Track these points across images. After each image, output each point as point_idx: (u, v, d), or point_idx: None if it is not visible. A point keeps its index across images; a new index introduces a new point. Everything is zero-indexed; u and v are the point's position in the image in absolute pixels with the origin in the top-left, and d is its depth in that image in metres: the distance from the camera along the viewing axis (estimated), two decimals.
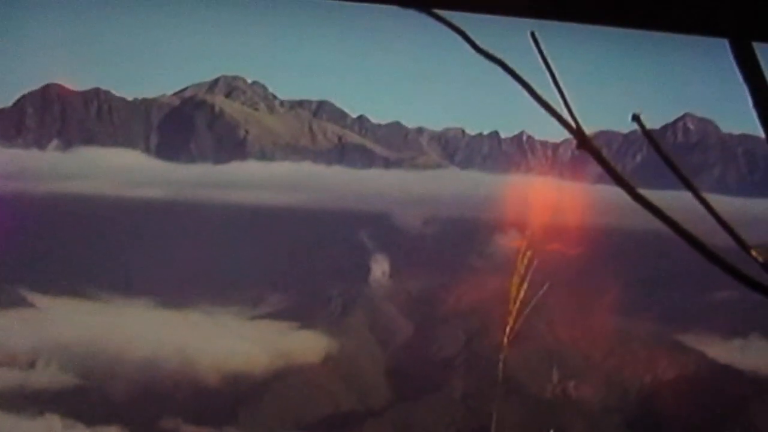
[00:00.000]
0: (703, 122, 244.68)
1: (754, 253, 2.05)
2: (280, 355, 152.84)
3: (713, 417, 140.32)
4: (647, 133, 2.21)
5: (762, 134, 2.02)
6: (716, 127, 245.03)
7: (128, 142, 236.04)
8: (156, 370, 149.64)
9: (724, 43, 1.96)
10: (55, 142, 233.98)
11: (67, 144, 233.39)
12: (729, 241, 2.09)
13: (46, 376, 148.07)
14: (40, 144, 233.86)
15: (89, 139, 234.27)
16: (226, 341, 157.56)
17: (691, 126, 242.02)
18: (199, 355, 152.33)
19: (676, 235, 2.03)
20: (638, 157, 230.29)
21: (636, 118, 2.23)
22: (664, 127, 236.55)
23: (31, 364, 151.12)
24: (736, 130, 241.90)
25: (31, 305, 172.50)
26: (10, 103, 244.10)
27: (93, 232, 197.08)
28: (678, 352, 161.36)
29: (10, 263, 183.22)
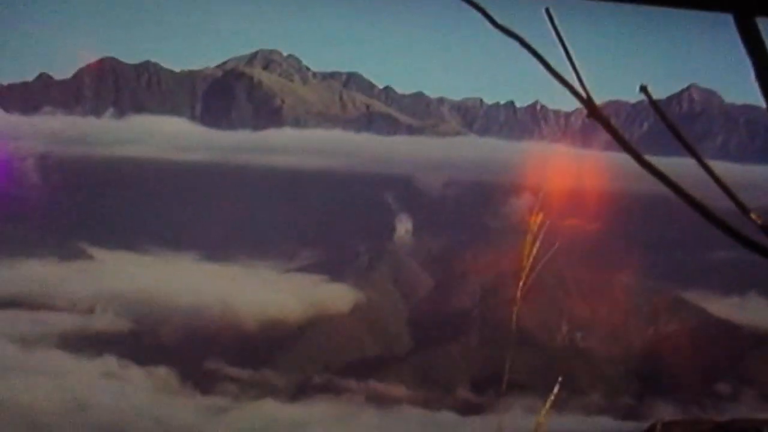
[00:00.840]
0: (708, 93, 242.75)
1: (753, 216, 2.07)
2: (312, 305, 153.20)
3: (711, 367, 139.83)
4: (654, 103, 2.12)
5: (763, 105, 2.01)
6: (720, 98, 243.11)
7: (175, 111, 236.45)
8: (201, 317, 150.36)
9: (729, 18, 1.96)
10: (110, 111, 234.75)
11: (121, 112, 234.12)
12: (730, 205, 2.09)
13: (103, 322, 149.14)
14: (97, 112, 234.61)
15: (140, 108, 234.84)
16: (264, 292, 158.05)
17: (695, 96, 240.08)
18: (239, 304, 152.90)
19: (680, 198, 2.05)
20: (645, 126, 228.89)
21: (643, 88, 2.21)
22: (670, 98, 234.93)
23: (91, 310, 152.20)
24: (739, 101, 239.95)
25: (90, 258, 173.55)
26: (69, 75, 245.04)
27: (144, 193, 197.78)
28: (679, 308, 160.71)
29: (72, 220, 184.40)
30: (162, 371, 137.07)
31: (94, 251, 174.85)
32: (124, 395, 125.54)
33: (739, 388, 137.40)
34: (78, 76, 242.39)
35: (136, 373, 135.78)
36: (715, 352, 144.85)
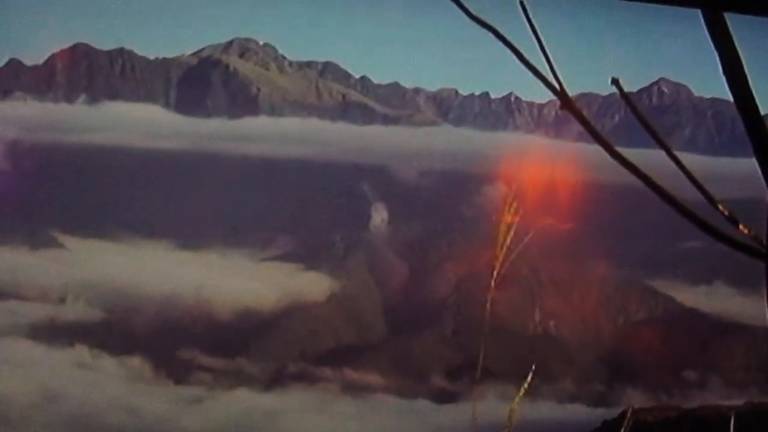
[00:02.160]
0: (677, 86, 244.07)
1: (720, 206, 2.11)
2: (287, 293, 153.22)
3: (679, 355, 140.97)
4: (625, 96, 2.15)
5: (730, 98, 1.93)
6: (689, 91, 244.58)
7: (150, 98, 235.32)
8: (174, 306, 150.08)
9: (698, 13, 2.00)
10: (82, 97, 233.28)
11: (94, 99, 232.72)
12: (698, 196, 2.14)
13: (75, 311, 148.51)
14: (69, 98, 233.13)
15: (114, 95, 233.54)
16: (239, 280, 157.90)
17: (665, 89, 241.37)
18: (213, 293, 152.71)
19: (650, 189, 2.07)
20: (616, 118, 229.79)
21: (615, 81, 2.25)
22: (641, 90, 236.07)
23: (62, 300, 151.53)
24: (707, 94, 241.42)
25: (62, 246, 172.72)
26: (41, 61, 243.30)
27: (117, 180, 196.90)
28: (648, 296, 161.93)
29: (43, 208, 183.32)
30: (135, 361, 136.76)
31: (65, 239, 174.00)
32: (97, 385, 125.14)
33: (705, 375, 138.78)
34: (50, 62, 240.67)
35: (108, 363, 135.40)
36: (682, 341, 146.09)
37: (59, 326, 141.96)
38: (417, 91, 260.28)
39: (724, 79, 1.99)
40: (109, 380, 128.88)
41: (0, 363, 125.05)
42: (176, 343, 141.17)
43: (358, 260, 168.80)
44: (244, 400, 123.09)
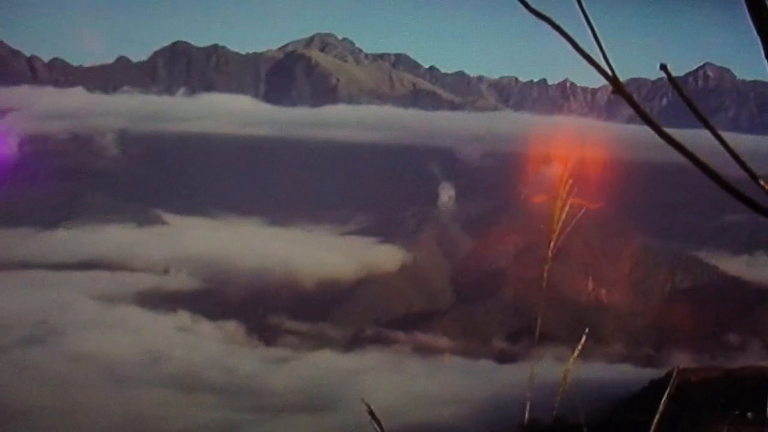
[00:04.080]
0: (721, 70, 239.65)
1: (761, 182, 2.09)
2: (364, 264, 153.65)
3: (722, 320, 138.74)
4: (672, 80, 2.14)
5: None
6: (732, 75, 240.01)
7: (241, 89, 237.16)
8: (264, 276, 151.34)
9: (741, 1, 1.96)
10: (182, 90, 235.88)
11: (192, 91, 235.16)
12: (740, 173, 2.10)
13: (177, 281, 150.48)
14: (170, 91, 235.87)
15: (209, 87, 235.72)
16: (321, 253, 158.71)
17: (710, 73, 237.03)
18: (298, 264, 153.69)
19: (696, 167, 2.05)
20: (664, 101, 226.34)
21: (663, 67, 2.17)
22: (687, 75, 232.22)
23: (165, 271, 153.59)
24: (749, 78, 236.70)
25: (165, 223, 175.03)
26: (145, 58, 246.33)
27: (213, 164, 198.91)
28: (693, 266, 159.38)
29: (148, 189, 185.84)
30: (230, 325, 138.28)
31: (168, 217, 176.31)
32: (196, 347, 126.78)
33: (746, 338, 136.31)
34: (153, 58, 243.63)
35: (206, 327, 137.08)
36: (725, 307, 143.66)
37: (163, 294, 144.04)
38: (480, 79, 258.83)
39: (765, 62, 1.93)
40: (207, 342, 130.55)
41: (112, 327, 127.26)
42: (266, 309, 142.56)
43: (428, 234, 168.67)
44: (325, 360, 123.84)
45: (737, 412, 57.93)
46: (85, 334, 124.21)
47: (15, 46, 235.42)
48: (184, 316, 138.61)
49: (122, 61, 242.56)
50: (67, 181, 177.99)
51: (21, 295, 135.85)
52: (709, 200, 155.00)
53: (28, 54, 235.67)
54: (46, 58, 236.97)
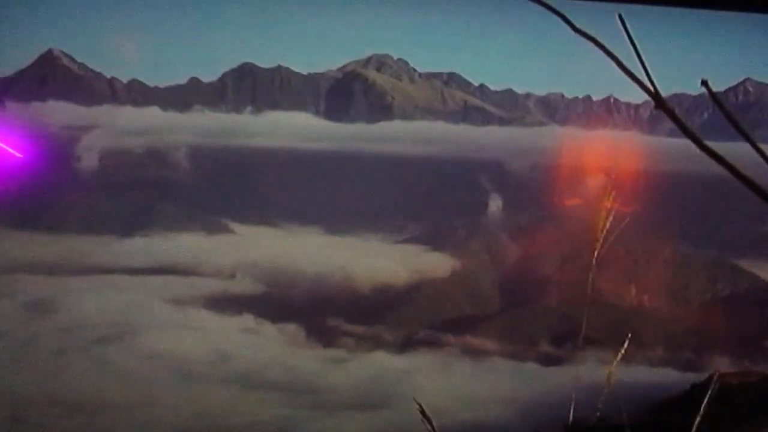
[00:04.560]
0: (761, 86, 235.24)
1: None
2: (417, 271, 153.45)
3: (761, 325, 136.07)
4: (713, 95, 2.06)
5: None
6: None
7: (302, 107, 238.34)
8: (323, 281, 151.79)
9: None
10: (249, 108, 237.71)
11: (258, 109, 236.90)
12: None
13: (242, 285, 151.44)
14: (238, 109, 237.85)
15: (274, 105, 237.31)
16: (376, 260, 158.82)
17: (750, 88, 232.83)
18: (355, 270, 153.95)
19: (736, 178, 1.96)
20: (705, 115, 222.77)
21: (704, 82, 2.14)
22: (728, 90, 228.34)
23: (232, 276, 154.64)
24: None
25: (232, 232, 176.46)
26: (215, 78, 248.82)
27: (277, 176, 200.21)
28: (734, 274, 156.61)
29: (217, 200, 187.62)
30: (291, 327, 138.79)
31: (235, 226, 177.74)
32: (260, 347, 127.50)
33: None
34: (222, 79, 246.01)
35: (269, 329, 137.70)
36: (764, 313, 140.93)
37: (230, 298, 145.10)
38: (527, 95, 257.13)
39: None
40: (270, 343, 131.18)
41: (182, 328, 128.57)
42: (325, 313, 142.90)
43: (477, 242, 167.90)
44: (380, 361, 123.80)
45: None
46: (158, 334, 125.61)
47: (97, 69, 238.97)
48: (248, 319, 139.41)
49: (194, 81, 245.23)
50: (144, 193, 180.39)
51: (101, 297, 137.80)
52: (749, 210, 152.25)
53: (108, 76, 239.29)
54: (125, 80, 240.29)
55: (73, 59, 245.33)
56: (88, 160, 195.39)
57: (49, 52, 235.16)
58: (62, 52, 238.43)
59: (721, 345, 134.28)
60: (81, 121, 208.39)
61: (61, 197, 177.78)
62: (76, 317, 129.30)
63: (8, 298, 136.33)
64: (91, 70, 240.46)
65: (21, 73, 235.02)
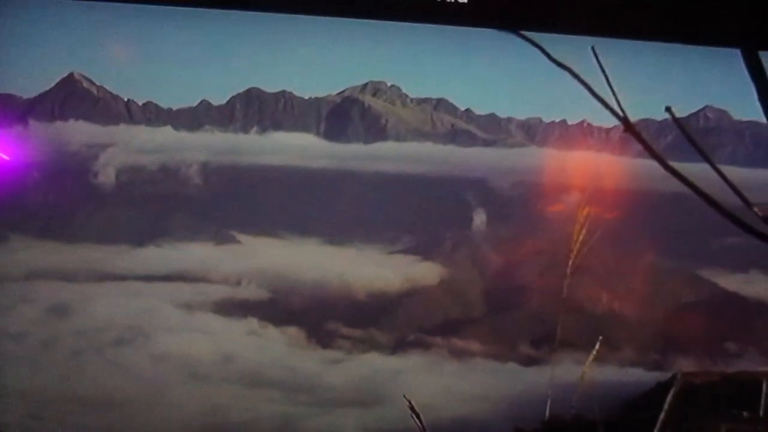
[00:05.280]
0: (720, 112, 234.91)
1: (756, 209, 2.04)
2: (408, 279, 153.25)
3: (721, 329, 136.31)
4: (676, 121, 2.19)
5: (764, 121, 1.92)
6: (729, 116, 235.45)
7: (305, 129, 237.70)
8: (323, 289, 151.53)
9: (737, 52, 1.95)
10: (255, 128, 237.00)
11: (263, 130, 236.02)
12: (737, 201, 2.05)
13: (247, 292, 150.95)
14: (245, 130, 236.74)
15: (278, 126, 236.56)
16: (371, 269, 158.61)
17: (710, 115, 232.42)
18: (352, 278, 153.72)
19: (698, 196, 2.00)
20: (669, 138, 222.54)
21: (668, 109, 2.19)
22: (689, 116, 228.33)
23: (238, 283, 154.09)
24: (745, 118, 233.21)
25: (238, 242, 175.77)
26: (224, 102, 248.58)
27: (280, 192, 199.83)
28: (696, 282, 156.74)
29: (224, 213, 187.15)
30: (292, 330, 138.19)
31: (241, 237, 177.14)
32: (264, 349, 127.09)
33: (743, 346, 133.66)
34: (231, 102, 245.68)
35: (272, 331, 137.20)
36: (724, 318, 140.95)
37: (236, 303, 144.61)
38: (509, 119, 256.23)
39: (759, 105, 2.04)
40: (272, 345, 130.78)
41: (192, 331, 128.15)
42: (323, 317, 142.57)
43: (463, 253, 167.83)
44: (374, 361, 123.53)
45: (734, 411, 56.91)
46: (169, 336, 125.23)
47: (115, 92, 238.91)
48: (253, 322, 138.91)
49: (204, 104, 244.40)
50: (157, 206, 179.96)
51: (116, 302, 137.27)
52: (709, 225, 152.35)
53: (125, 98, 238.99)
54: (140, 102, 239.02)
55: (92, 82, 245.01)
56: (106, 176, 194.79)
57: (71, 75, 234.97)
58: (82, 75, 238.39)
59: (684, 347, 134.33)
60: (99, 140, 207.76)
61: (80, 209, 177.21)
62: (93, 321, 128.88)
63: (30, 303, 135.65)
64: (109, 93, 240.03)
65: (44, 95, 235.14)
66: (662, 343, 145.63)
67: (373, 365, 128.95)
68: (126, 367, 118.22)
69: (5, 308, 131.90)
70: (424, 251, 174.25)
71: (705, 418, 54.99)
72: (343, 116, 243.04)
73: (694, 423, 52.26)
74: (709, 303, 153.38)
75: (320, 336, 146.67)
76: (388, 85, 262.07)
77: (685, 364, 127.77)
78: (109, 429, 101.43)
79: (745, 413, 55.50)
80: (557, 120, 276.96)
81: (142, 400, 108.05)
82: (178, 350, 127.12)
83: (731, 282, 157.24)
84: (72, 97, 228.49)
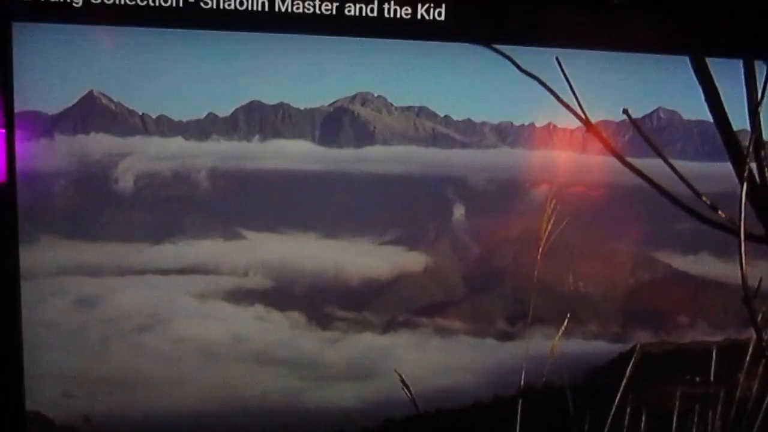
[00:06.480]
0: (671, 113, 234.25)
1: (704, 198, 2.08)
2: (396, 266, 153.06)
3: (674, 304, 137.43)
4: (633, 121, 2.25)
5: (711, 120, 1.94)
6: (680, 116, 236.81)
7: (301, 136, 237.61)
8: (320, 277, 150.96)
9: (686, 59, 2.01)
10: (256, 137, 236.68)
11: (264, 138, 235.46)
12: (688, 191, 2.10)
13: (254, 281, 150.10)
14: (248, 138, 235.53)
15: (278, 135, 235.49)
16: (364, 259, 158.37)
17: (662, 115, 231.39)
18: (346, 267, 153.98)
19: (652, 187, 2.04)
20: (626, 137, 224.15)
21: (625, 110, 2.23)
22: (644, 116, 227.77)
23: (245, 274, 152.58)
24: (694, 118, 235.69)
25: (245, 238, 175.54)
26: (228, 113, 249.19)
27: (280, 192, 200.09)
28: (652, 264, 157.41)
29: (232, 212, 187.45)
30: (295, 315, 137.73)
31: (247, 233, 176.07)
32: (270, 331, 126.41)
33: (694, 319, 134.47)
34: (235, 114, 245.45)
35: (277, 316, 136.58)
36: (677, 294, 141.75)
37: (243, 292, 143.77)
38: (484, 123, 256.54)
39: (705, 105, 2.03)
40: (277, 328, 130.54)
41: (205, 317, 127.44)
42: (322, 302, 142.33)
43: (445, 243, 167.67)
44: (367, 340, 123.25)
45: (688, 376, 57.46)
46: (185, 322, 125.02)
47: (131, 107, 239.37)
48: (259, 308, 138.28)
49: (211, 116, 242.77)
50: (171, 207, 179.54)
51: (137, 293, 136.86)
52: (662, 213, 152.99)
53: (140, 112, 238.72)
54: (154, 115, 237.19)
55: (110, 99, 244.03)
56: (125, 182, 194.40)
57: (90, 93, 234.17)
58: (101, 93, 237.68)
59: (642, 321, 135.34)
60: (118, 150, 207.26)
61: (103, 212, 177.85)
62: (117, 310, 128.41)
63: (60, 296, 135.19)
64: (126, 108, 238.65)
65: (67, 111, 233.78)
66: (623, 318, 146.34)
67: (366, 344, 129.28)
68: (147, 350, 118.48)
69: (38, 301, 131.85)
70: (410, 242, 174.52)
71: (662, 383, 55.45)
72: (335, 124, 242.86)
73: (652, 388, 52.74)
74: (663, 281, 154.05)
75: (319, 319, 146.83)
76: (375, 95, 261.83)
77: (643, 336, 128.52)
78: (133, 404, 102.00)
79: (697, 378, 56.03)
80: (526, 123, 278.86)
81: (163, 379, 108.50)
82: (194, 334, 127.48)
83: (683, 263, 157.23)
84: (92, 113, 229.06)
